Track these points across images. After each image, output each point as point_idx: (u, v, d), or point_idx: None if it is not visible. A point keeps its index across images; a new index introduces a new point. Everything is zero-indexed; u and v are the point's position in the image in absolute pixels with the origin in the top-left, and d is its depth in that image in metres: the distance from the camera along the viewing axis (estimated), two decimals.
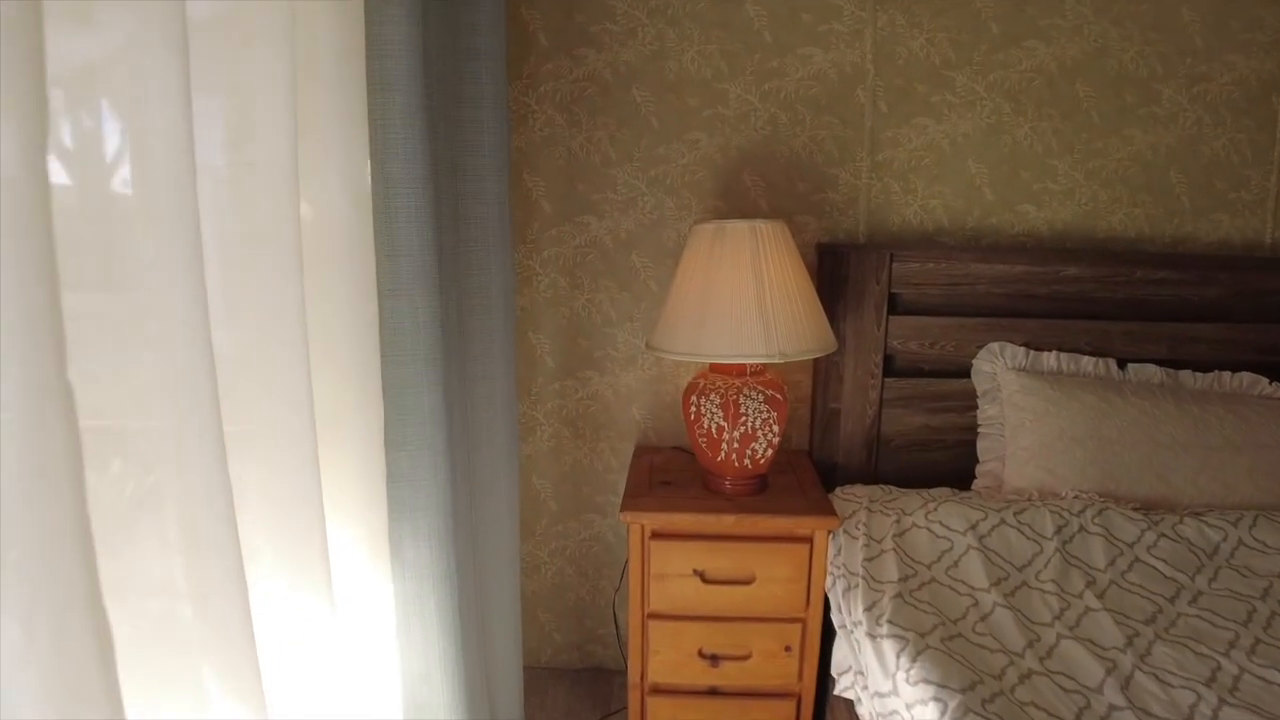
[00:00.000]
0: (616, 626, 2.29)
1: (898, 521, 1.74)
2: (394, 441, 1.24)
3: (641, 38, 2.04)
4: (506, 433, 1.65)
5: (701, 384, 1.78)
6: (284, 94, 0.95)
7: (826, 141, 2.07)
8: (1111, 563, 1.63)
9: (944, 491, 1.86)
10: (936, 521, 1.72)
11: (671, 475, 1.95)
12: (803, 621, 1.76)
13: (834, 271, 1.99)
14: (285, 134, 0.95)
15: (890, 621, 1.44)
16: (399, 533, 1.25)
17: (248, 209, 0.96)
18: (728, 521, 1.71)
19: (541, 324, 2.15)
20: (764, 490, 1.84)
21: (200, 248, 0.80)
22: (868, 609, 1.51)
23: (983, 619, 1.48)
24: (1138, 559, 1.64)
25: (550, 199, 2.10)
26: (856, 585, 1.58)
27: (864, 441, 2.01)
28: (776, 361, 1.64)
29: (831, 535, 1.74)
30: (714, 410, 1.73)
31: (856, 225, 2.10)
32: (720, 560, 1.74)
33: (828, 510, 1.73)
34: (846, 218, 2.10)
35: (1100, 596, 1.54)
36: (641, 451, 2.13)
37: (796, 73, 2.05)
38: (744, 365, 1.74)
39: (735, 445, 1.73)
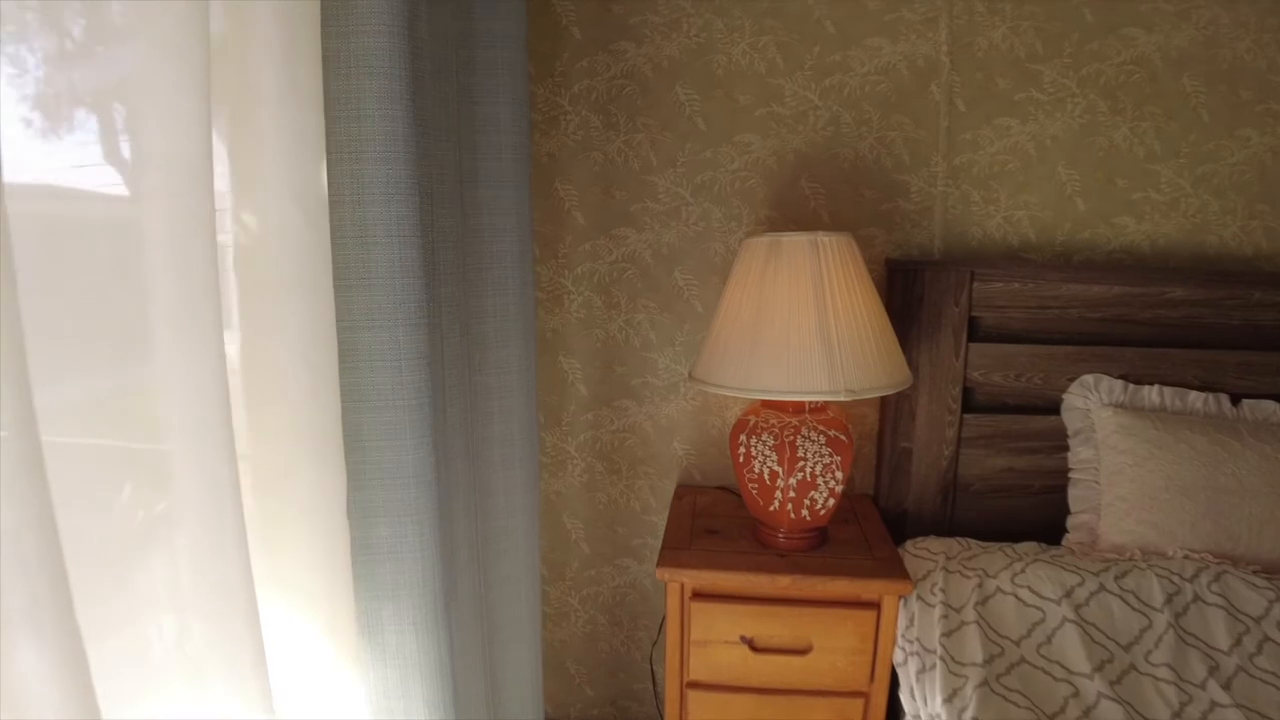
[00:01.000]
0: (654, 682, 2.10)
1: (980, 586, 1.52)
2: (364, 507, 1.05)
3: (686, 29, 1.85)
4: (525, 475, 1.48)
5: (752, 421, 1.58)
6: (185, 71, 0.76)
7: (896, 144, 1.86)
8: (1237, 642, 1.40)
9: (1031, 548, 1.64)
10: (1025, 586, 1.50)
11: (717, 522, 1.76)
12: (866, 697, 1.56)
13: (905, 291, 1.78)
14: (190, 123, 0.76)
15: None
16: (376, 615, 1.07)
17: None
18: (782, 583, 1.52)
19: (574, 347, 1.97)
20: (824, 544, 1.63)
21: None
22: (948, 699, 1.30)
23: (1086, 714, 1.26)
24: (1268, 638, 1.41)
25: (584, 210, 1.92)
26: (933, 666, 1.38)
27: (938, 486, 1.80)
28: (842, 400, 1.43)
29: (903, 601, 1.53)
30: (767, 453, 1.53)
31: (931, 239, 1.89)
32: (772, 626, 1.54)
33: (898, 571, 1.52)
34: (919, 230, 1.88)
35: (1226, 687, 1.31)
36: (683, 491, 1.94)
37: (862, 67, 1.84)
38: (803, 401, 1.54)
39: (791, 494, 1.53)
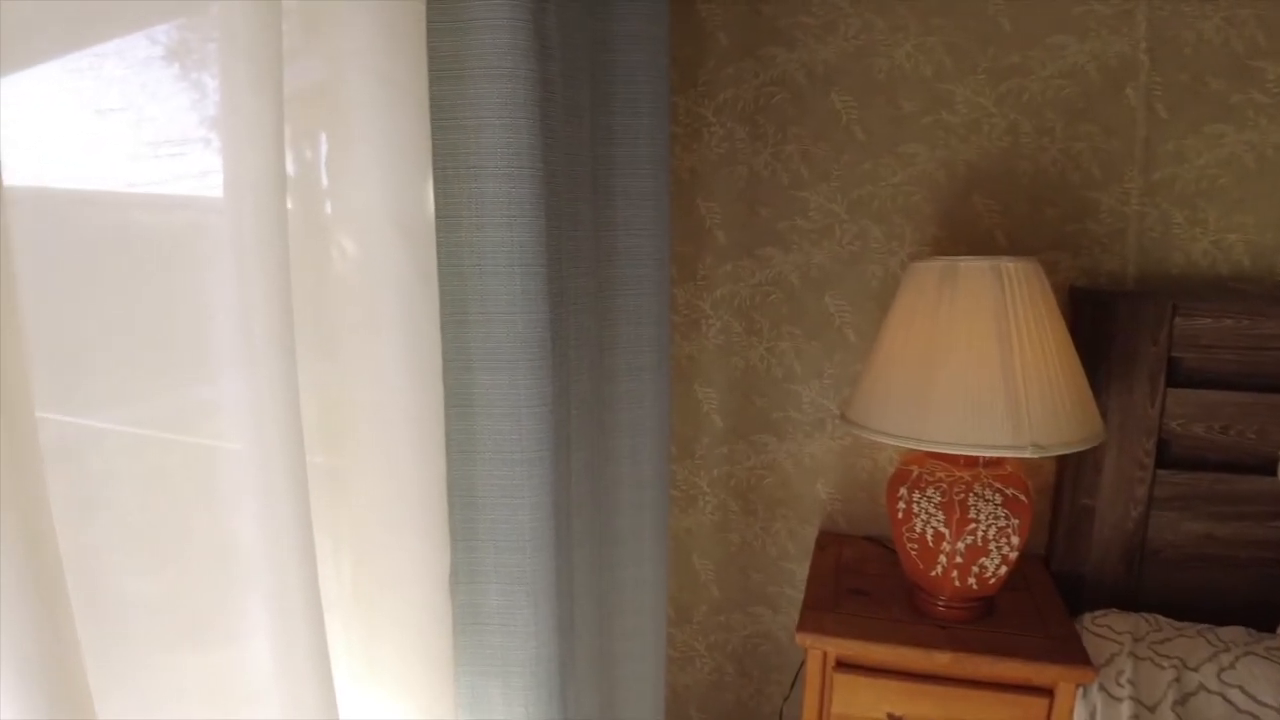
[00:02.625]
0: None
1: (1177, 680, 1.33)
2: (471, 572, 0.95)
3: (843, 31, 1.70)
4: (655, 520, 1.39)
5: (915, 473, 1.42)
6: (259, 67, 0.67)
7: (1084, 156, 1.66)
8: None
9: (1239, 635, 1.43)
10: (1236, 686, 1.30)
11: (865, 580, 1.61)
12: None
13: (1093, 326, 1.59)
14: (263, 132, 0.67)
15: None
16: (484, 694, 0.98)
17: None
18: (940, 660, 1.36)
19: (710, 376, 1.86)
20: (989, 615, 1.47)
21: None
22: None
23: None
24: None
25: (726, 228, 1.80)
26: None
27: (1122, 551, 1.60)
28: (1027, 456, 1.26)
29: (1082, 690, 1.35)
30: (931, 510, 1.38)
31: (1123, 265, 1.68)
32: (924, 706, 1.40)
33: (1077, 655, 1.34)
34: (1110, 255, 1.68)
35: None
36: (827, 540, 1.80)
37: (1044, 69, 1.65)
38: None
39: (958, 559, 1.37)
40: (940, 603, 1.45)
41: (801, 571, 1.89)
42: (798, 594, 1.90)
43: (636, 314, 1.28)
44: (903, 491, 1.43)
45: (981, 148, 1.69)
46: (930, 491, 1.39)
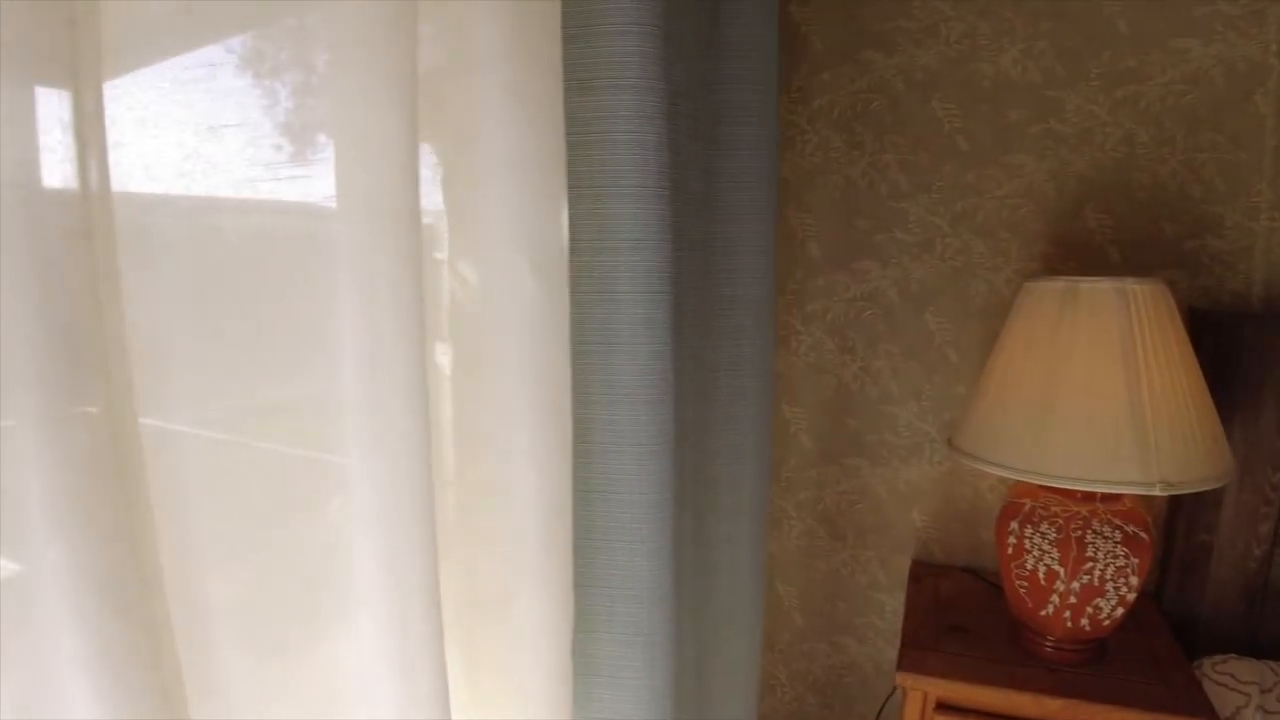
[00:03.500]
0: None
1: None
2: (587, 619, 0.91)
3: (945, 35, 1.63)
4: (752, 557, 1.33)
5: (1028, 507, 1.35)
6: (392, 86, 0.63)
7: (1206, 167, 1.57)
8: None
9: None
10: None
11: (966, 616, 1.54)
12: None
13: (1215, 350, 1.50)
14: (392, 153, 0.64)
15: None
16: None
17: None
18: (1051, 707, 1.30)
19: (799, 394, 1.80)
20: (1101, 658, 1.39)
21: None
22: None
23: None
24: None
25: (820, 240, 1.74)
26: None
27: (1242, 592, 1.51)
28: (1156, 494, 1.19)
29: None
30: (1046, 548, 1.31)
31: (1248, 286, 1.59)
32: None
33: (1201, 707, 1.27)
34: (1234, 274, 1.59)
35: None
36: (921, 571, 1.73)
37: (1163, 74, 1.57)
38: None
39: (1071, 599, 1.30)
40: (1049, 644, 1.37)
41: (891, 602, 1.82)
42: (886, 625, 1.84)
43: (737, 334, 1.23)
44: (1013, 526, 1.36)
45: (1094, 159, 1.61)
46: (1045, 527, 1.32)
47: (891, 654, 1.85)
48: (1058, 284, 1.29)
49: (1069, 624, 1.33)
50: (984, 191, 1.66)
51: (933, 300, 1.71)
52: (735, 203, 1.20)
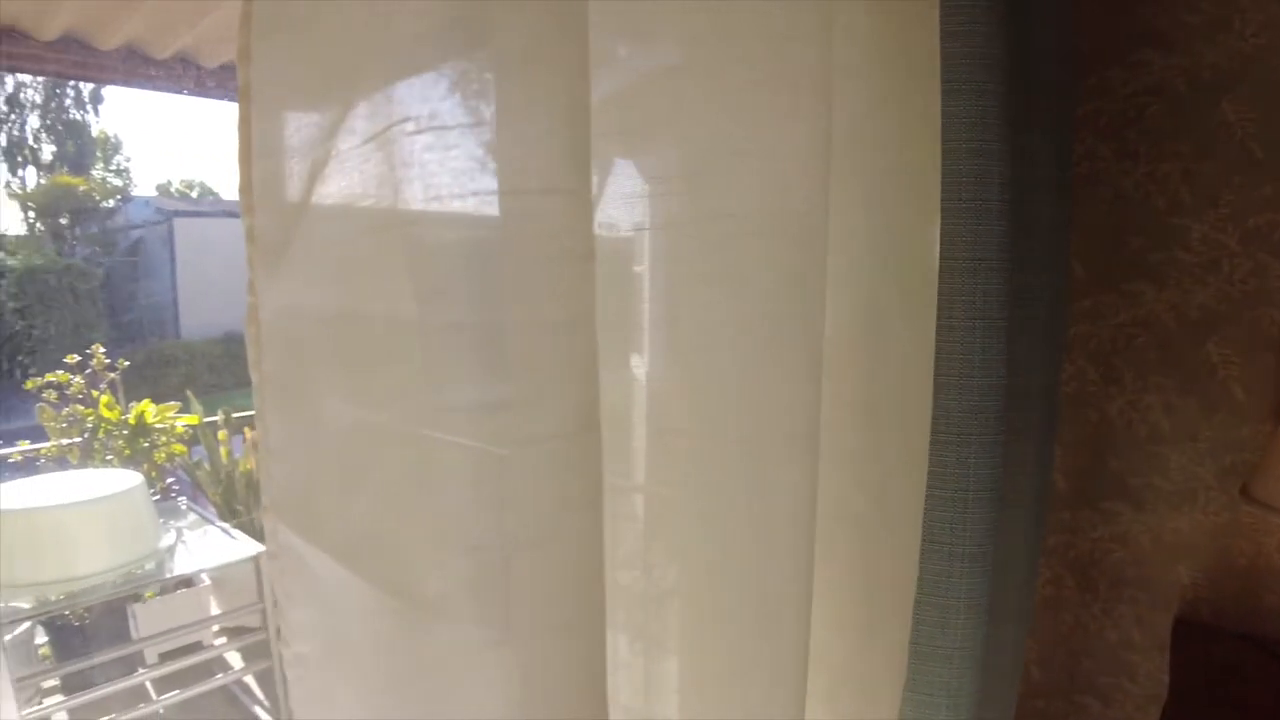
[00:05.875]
0: None
1: None
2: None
3: (1239, 28, 1.47)
4: (1022, 609, 1.19)
5: None
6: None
7: None
8: None
9: None
10: None
11: (1246, 689, 1.38)
12: None
13: None
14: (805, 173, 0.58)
15: None
16: None
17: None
18: None
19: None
20: None
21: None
22: None
23: None
24: None
25: (1084, 258, 1.61)
26: None
27: None
28: None
29: None
30: None
31: None
32: None
33: None
34: None
35: None
36: (1187, 632, 1.56)
37: None
38: None
39: None
40: None
41: (1145, 664, 1.65)
42: (1139, 690, 1.66)
43: (1028, 361, 1.12)
44: None
45: None
46: None
47: None
48: None
49: None
50: None
51: (1217, 329, 1.53)
52: (1035, 217, 1.10)
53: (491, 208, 0.54)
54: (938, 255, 0.75)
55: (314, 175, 0.71)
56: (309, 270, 0.75)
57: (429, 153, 0.58)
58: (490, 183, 0.54)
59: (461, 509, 0.60)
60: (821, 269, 0.58)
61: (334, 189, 0.70)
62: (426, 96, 0.57)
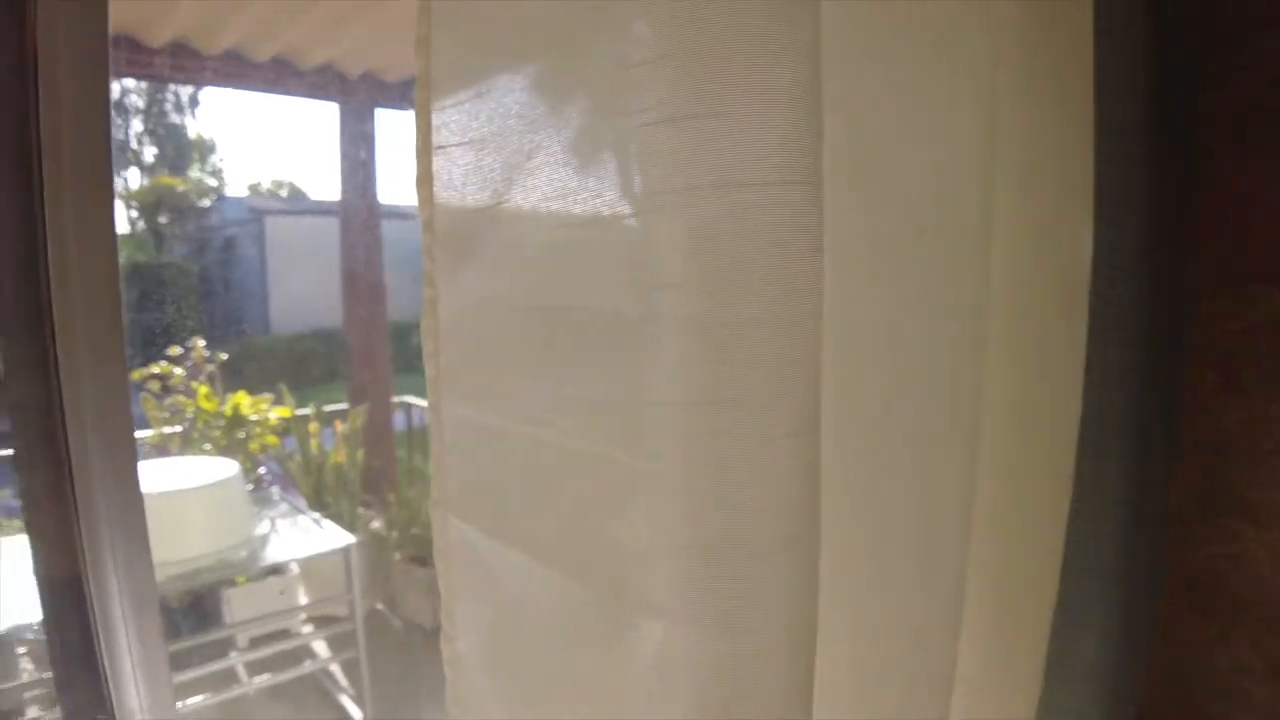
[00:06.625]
0: None
1: None
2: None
3: None
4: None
5: None
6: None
7: None
8: None
9: None
10: None
11: None
12: None
13: None
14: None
15: None
16: None
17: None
18: None
19: None
20: None
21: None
22: None
23: None
24: None
25: (1204, 259, 1.52)
26: None
27: None
28: None
29: None
30: None
31: None
32: None
33: None
34: None
35: None
36: None
37: None
38: None
39: None
40: None
41: (1261, 693, 1.56)
42: (1251, 718, 1.58)
43: (1154, 373, 1.07)
44: None
45: None
46: None
47: None
48: None
49: None
50: None
51: None
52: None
53: (720, 199, 0.53)
54: (1089, 260, 0.72)
55: (513, 166, 0.72)
56: (500, 263, 0.75)
57: (654, 143, 0.58)
58: (719, 173, 0.53)
59: (678, 505, 0.59)
60: (983, 268, 0.56)
61: (539, 181, 0.70)
62: (651, 85, 0.56)
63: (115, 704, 0.85)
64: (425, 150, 0.84)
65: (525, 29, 0.70)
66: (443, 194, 0.82)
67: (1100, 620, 0.75)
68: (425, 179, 0.84)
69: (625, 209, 0.64)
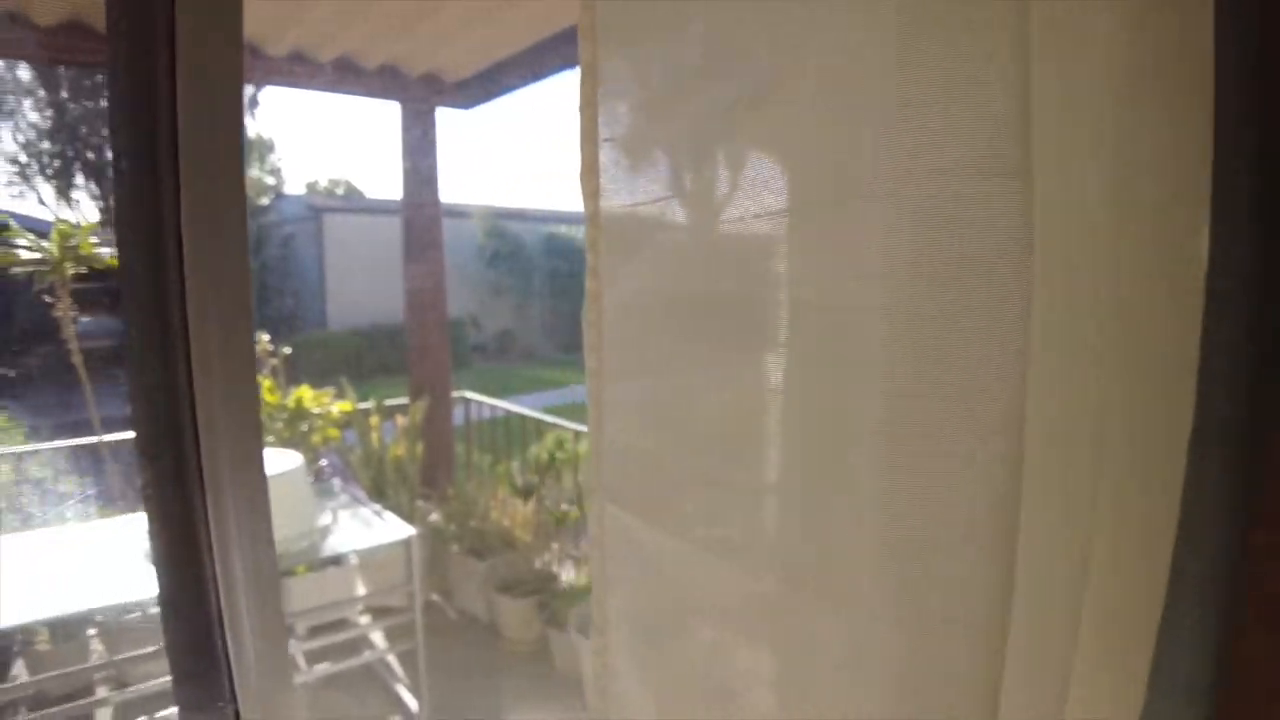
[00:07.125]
0: None
1: None
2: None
3: None
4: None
5: None
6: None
7: None
8: None
9: None
10: None
11: None
12: None
13: None
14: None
15: None
16: None
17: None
18: None
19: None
20: None
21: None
22: None
23: None
24: None
25: None
26: None
27: None
28: None
29: None
30: None
31: None
32: None
33: None
34: None
35: None
36: None
37: None
38: None
39: None
40: None
41: None
42: None
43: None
44: None
45: None
46: None
47: None
48: None
49: None
50: None
51: None
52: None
53: (933, 190, 0.52)
54: (1203, 267, 0.69)
55: (688, 154, 0.71)
56: (669, 256, 0.74)
57: (855, 132, 0.57)
58: (932, 162, 0.52)
59: (874, 499, 0.57)
60: (1024, 255, 0.54)
61: (719, 174, 0.69)
62: (864, 75, 0.55)
63: (236, 692, 0.87)
64: (591, 141, 0.82)
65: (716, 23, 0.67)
66: (608, 187, 0.80)
67: (1201, 634, 0.72)
68: (590, 170, 0.82)
69: (825, 197, 0.62)
